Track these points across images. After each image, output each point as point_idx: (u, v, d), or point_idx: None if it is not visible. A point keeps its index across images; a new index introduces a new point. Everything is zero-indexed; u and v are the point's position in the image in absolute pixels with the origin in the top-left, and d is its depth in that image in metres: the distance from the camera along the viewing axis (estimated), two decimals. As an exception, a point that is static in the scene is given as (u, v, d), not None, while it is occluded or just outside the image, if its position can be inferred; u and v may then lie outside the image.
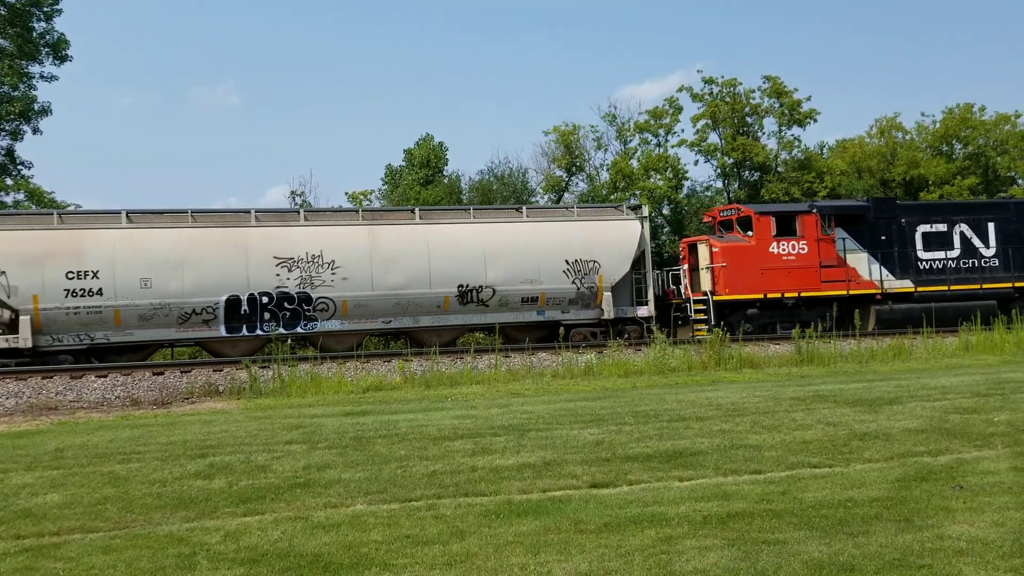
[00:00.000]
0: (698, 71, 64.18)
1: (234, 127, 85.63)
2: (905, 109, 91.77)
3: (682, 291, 23.99)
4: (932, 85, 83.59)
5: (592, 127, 40.30)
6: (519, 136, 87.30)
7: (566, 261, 22.24)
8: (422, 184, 39.30)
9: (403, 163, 42.31)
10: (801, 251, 23.35)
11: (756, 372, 16.73)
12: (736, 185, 39.60)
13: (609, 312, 22.54)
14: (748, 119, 38.99)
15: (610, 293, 22.59)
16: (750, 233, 23.52)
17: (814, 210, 23.66)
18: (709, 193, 39.83)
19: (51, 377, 17.36)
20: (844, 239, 23.79)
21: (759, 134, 39.34)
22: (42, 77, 30.32)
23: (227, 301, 19.98)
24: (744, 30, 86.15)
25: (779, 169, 38.88)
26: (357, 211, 22.89)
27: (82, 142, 77.74)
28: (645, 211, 23.84)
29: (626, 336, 22.60)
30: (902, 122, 43.51)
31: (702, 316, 22.94)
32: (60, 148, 73.76)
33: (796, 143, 39.54)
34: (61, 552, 5.65)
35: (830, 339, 19.35)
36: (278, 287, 20.31)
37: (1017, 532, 5.37)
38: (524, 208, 23.48)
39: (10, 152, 30.44)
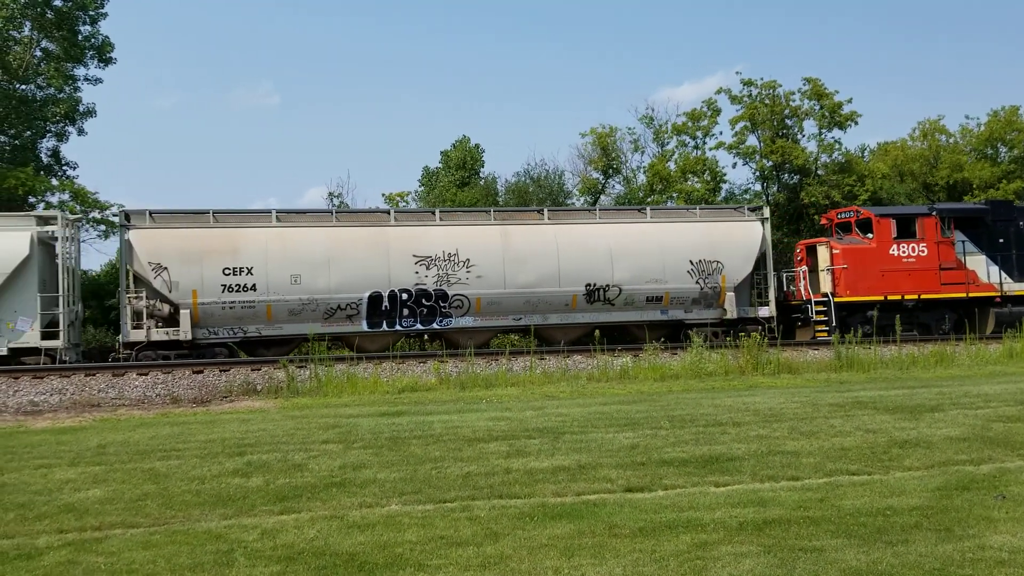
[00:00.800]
0: (736, 73, 63.53)
1: (273, 128, 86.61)
2: (949, 112, 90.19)
3: (800, 292, 23.83)
4: (976, 87, 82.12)
5: (629, 129, 40.23)
6: (555, 138, 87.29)
7: (690, 261, 22.54)
8: (458, 186, 39.43)
9: (439, 165, 42.50)
10: (921, 253, 23.42)
11: (794, 377, 16.55)
12: (775, 188, 39.21)
13: (732, 312, 22.77)
14: (788, 121, 38.58)
15: (733, 293, 22.83)
16: (870, 235, 23.64)
17: (934, 212, 23.77)
18: (747, 196, 39.49)
19: (94, 375, 17.68)
20: (963, 242, 23.75)
21: (799, 136, 38.90)
22: (86, 79, 30.89)
23: (370, 297, 20.78)
24: (783, 32, 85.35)
25: (819, 172, 38.42)
26: (489, 211, 23.46)
27: (124, 143, 79.13)
28: (766, 212, 24.14)
29: (747, 336, 22.71)
30: (945, 125, 42.76)
31: (822, 317, 23.08)
32: (102, 149, 75.14)
33: (837, 146, 39.03)
34: (102, 547, 5.75)
35: (949, 340, 18.75)
36: (417, 284, 21.03)
37: (1061, 544, 5.25)
38: (648, 209, 23.92)
39: (55, 153, 31.04)
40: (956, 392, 12.74)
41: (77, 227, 21.26)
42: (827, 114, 38.04)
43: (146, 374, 17.84)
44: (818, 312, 23.00)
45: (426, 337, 21.37)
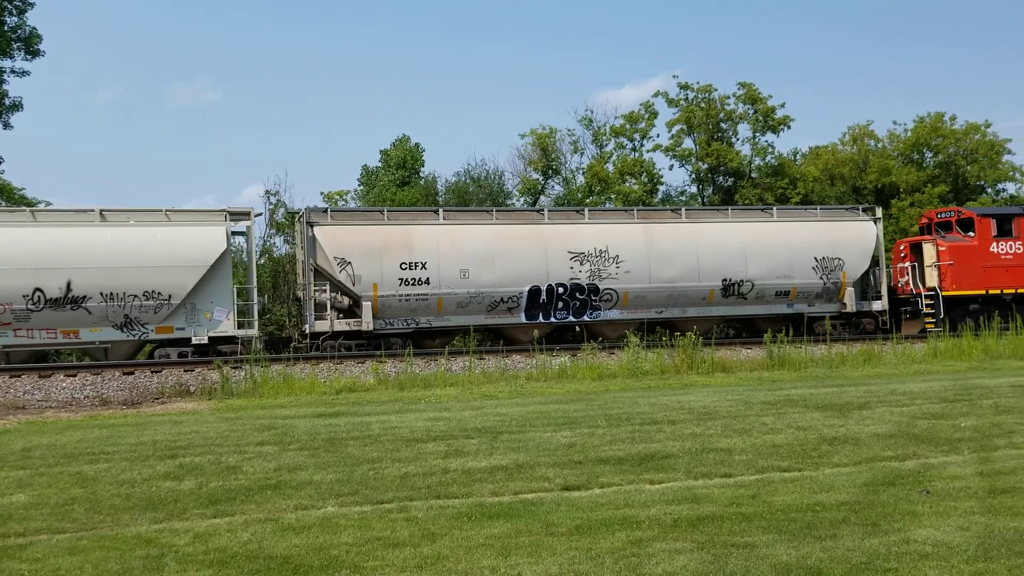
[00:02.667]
0: (674, 77, 64.46)
1: (211, 125, 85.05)
2: (877, 117, 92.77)
3: (909, 287, 25.13)
4: (904, 94, 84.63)
5: (569, 131, 40.45)
6: (497, 139, 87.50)
7: (815, 258, 23.97)
8: (398, 185, 39.23)
9: (379, 164, 42.23)
10: (1018, 251, 24.98)
11: (728, 376, 16.83)
12: (711, 190, 39.87)
13: (851, 306, 24.33)
14: (723, 125, 39.28)
15: (852, 288, 24.38)
16: (971, 234, 25.06)
17: None
18: (684, 198, 40.07)
19: (19, 376, 17.14)
20: None
21: (733, 140, 39.64)
22: (13, 72, 29.94)
23: (529, 291, 21.93)
24: (725, 36, 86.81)
25: (753, 175, 39.20)
26: (632, 210, 24.97)
27: (56, 138, 76.83)
28: (878, 213, 25.75)
29: (862, 328, 24.62)
30: (874, 130, 44.02)
31: (931, 310, 24.47)
32: (32, 144, 72.88)
33: (770, 149, 39.88)
34: (26, 553, 5.59)
35: (801, 344, 19.49)
36: (571, 279, 22.22)
37: (982, 536, 5.45)
38: (775, 209, 25.45)
39: (-21, 147, 30.02)
40: (883, 390, 13.09)
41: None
42: (761, 118, 38.84)
43: (74, 375, 17.36)
44: (927, 305, 24.53)
45: (578, 329, 22.73)
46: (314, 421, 11.30)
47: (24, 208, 20.08)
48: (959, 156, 42.17)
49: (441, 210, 23.02)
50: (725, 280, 23.22)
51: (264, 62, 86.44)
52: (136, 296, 19.08)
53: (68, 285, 18.66)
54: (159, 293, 19.23)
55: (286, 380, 16.16)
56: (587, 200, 36.63)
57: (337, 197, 41.44)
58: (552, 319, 22.22)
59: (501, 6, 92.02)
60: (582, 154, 40.30)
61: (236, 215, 20.86)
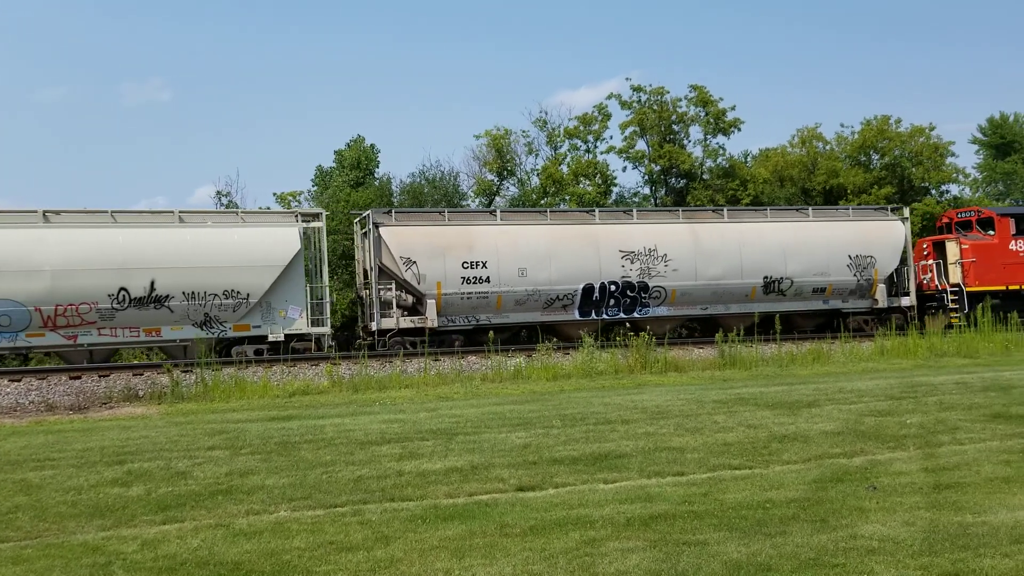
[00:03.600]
0: (627, 79, 64.93)
1: (163, 124, 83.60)
2: (826, 120, 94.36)
3: (934, 283, 26.74)
4: (852, 97, 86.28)
5: (523, 132, 40.49)
6: (452, 140, 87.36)
7: (849, 256, 25.16)
8: (352, 186, 38.93)
9: (333, 164, 41.85)
10: None
11: (681, 376, 17.01)
12: (663, 191, 40.22)
13: (882, 301, 25.58)
14: (675, 127, 39.64)
15: (883, 285, 25.65)
16: (991, 232, 26.54)
17: None
18: (636, 199, 40.36)
19: (-40, 382, 16.70)
20: None
21: (685, 142, 40.02)
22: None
23: (583, 289, 22.76)
24: (679, 39, 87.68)
25: (704, 176, 39.63)
26: (677, 210, 25.96)
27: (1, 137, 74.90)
28: (906, 213, 27.08)
29: (891, 323, 25.32)
30: (823, 132, 44.71)
31: (955, 305, 25.88)
32: (-28, 143, 70.98)
33: (721, 151, 40.31)
34: (-32, 564, 5.44)
35: (752, 343, 19.77)
36: (623, 277, 23.15)
37: (927, 531, 5.56)
38: (810, 209, 26.73)
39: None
40: (831, 388, 13.32)
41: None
42: (712, 121, 39.26)
43: (18, 380, 16.95)
44: (952, 300, 25.94)
45: (628, 325, 23.14)
46: (267, 425, 11.17)
47: (105, 210, 20.35)
48: (904, 158, 43.06)
49: (499, 211, 24.33)
50: (766, 277, 24.40)
51: (217, 62, 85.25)
52: (216, 295, 19.74)
53: (152, 284, 19.25)
54: (238, 292, 19.91)
55: (238, 384, 15.96)
56: (541, 202, 36.70)
57: (290, 198, 40.93)
58: (604, 316, 23.14)
59: (458, 7, 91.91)
60: (537, 155, 40.37)
61: (307, 216, 21.91)
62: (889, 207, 28.11)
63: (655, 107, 39.03)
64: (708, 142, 40.06)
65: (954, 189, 45.61)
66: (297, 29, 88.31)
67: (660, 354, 18.18)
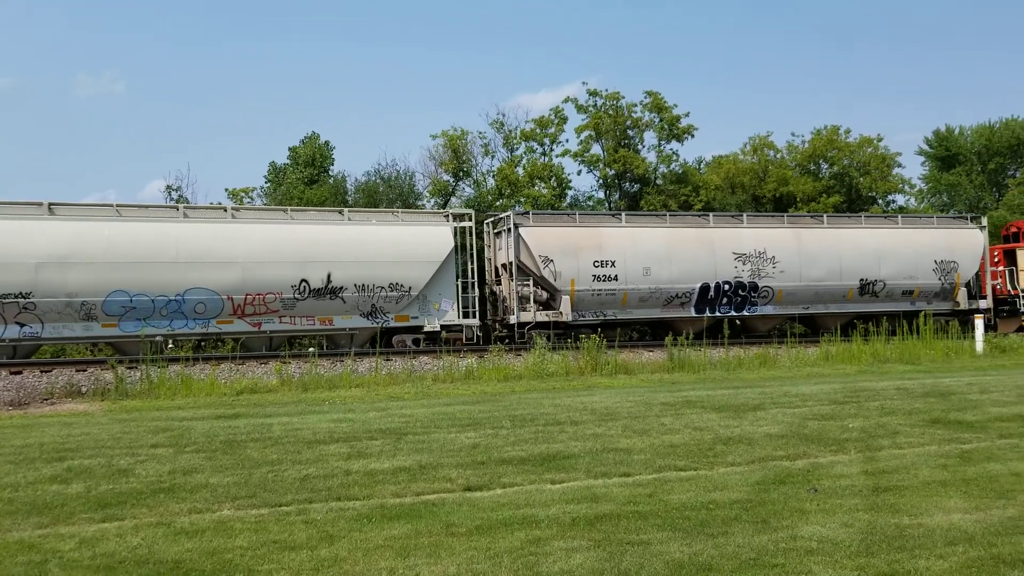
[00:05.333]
0: (583, 83, 65.25)
1: (116, 117, 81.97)
2: (777, 129, 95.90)
3: (999, 289, 29.03)
4: (803, 106, 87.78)
5: (480, 133, 40.48)
6: (409, 139, 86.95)
7: (935, 261, 27.15)
8: (307, 183, 38.56)
9: (287, 161, 41.41)
10: None
11: (630, 378, 17.13)
12: (617, 196, 40.51)
13: (963, 304, 27.50)
14: (630, 132, 39.96)
15: (964, 288, 27.57)
16: None
17: None
18: (591, 203, 40.60)
19: None
20: None
21: (640, 147, 40.36)
22: None
23: (700, 287, 24.51)
24: (637, 45, 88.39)
25: (658, 182, 39.98)
26: (783, 216, 28.18)
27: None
28: (984, 222, 29.00)
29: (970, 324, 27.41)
30: (774, 141, 45.44)
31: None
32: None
33: (674, 157, 40.73)
34: None
35: (701, 347, 20.01)
36: (735, 277, 24.93)
37: (865, 532, 5.68)
38: (899, 217, 28.81)
39: None
40: (776, 392, 13.52)
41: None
42: (666, 127, 39.65)
43: (-45, 375, 16.50)
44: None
45: (738, 322, 25.22)
46: (212, 423, 11.02)
47: (284, 208, 22.62)
48: (853, 168, 43.91)
49: (623, 214, 26.06)
50: (862, 280, 26.25)
51: (172, 56, 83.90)
52: (383, 288, 21.57)
53: (328, 277, 21.03)
54: (401, 285, 21.74)
55: (184, 381, 15.71)
56: (496, 204, 36.73)
57: (243, 194, 40.46)
58: (717, 313, 24.75)
59: (422, 8, 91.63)
60: (493, 157, 40.42)
61: (458, 216, 23.87)
62: (969, 216, 29.96)
63: (610, 112, 39.33)
64: (662, 148, 40.47)
65: (900, 199, 46.65)
66: (254, 26, 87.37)
67: (610, 357, 18.30)
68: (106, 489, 7.17)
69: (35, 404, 14.66)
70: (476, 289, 23.30)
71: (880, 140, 44.28)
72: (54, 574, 5.01)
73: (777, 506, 6.40)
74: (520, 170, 38.76)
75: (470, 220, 23.69)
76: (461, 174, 39.96)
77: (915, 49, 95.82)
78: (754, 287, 25.04)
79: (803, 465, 7.92)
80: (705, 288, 24.57)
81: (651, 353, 21.13)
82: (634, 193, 39.82)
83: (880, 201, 44.79)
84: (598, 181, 40.76)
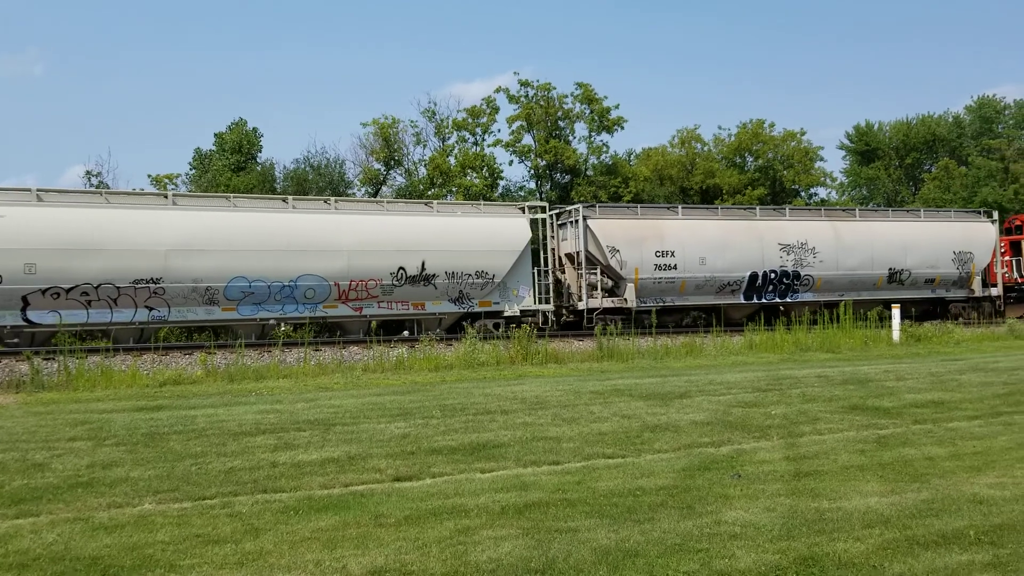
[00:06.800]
0: (515, 73, 65.20)
1: (34, 99, 78.93)
2: (704, 122, 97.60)
3: (1006, 277, 31.86)
4: (729, 100, 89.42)
5: (412, 122, 40.20)
6: (340, 127, 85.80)
7: (953, 252, 29.60)
8: (233, 170, 37.79)
9: (214, 147, 40.50)
10: None
11: (561, 367, 17.24)
12: (548, 186, 40.66)
13: (978, 291, 30.05)
14: (561, 123, 40.14)
15: (979, 277, 29.98)
16: None
17: None
18: (523, 193, 40.68)
19: None
20: None
21: (571, 138, 40.57)
22: None
23: (749, 276, 26.43)
24: (570, 35, 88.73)
25: (588, 173, 40.26)
26: (820, 210, 30.70)
27: None
28: (995, 216, 31.58)
29: (982, 310, 30.20)
30: (701, 134, 46.20)
31: None
32: None
33: (604, 149, 41.05)
34: None
35: (629, 336, 20.25)
36: (780, 266, 26.94)
37: (786, 516, 5.82)
38: (922, 211, 31.42)
39: None
40: (702, 380, 13.76)
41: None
42: (596, 118, 39.94)
43: None
44: None
45: (781, 308, 26.76)
46: (134, 415, 10.72)
47: (380, 200, 24.78)
48: (777, 161, 44.90)
49: (680, 207, 27.83)
50: (891, 269, 28.58)
51: (91, 38, 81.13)
52: (470, 275, 23.12)
53: (423, 265, 22.54)
54: (486, 272, 23.31)
55: (104, 372, 15.24)
56: (428, 193, 36.53)
57: (167, 181, 39.46)
58: (763, 300, 26.78)
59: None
60: (424, 146, 40.19)
61: (533, 208, 25.61)
62: (982, 211, 32.53)
63: (542, 102, 39.46)
64: (592, 139, 40.77)
65: (822, 192, 47.89)
66: (181, 9, 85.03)
67: (541, 346, 18.39)
68: (20, 484, 6.92)
69: (-56, 397, 14.06)
70: (549, 277, 24.96)
71: (803, 134, 45.44)
72: (-37, 573, 4.82)
73: (702, 492, 6.51)
74: (452, 160, 38.63)
75: (543, 212, 25.62)
76: (392, 163, 39.63)
77: (837, 45, 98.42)
78: (796, 276, 27.06)
79: (727, 452, 8.07)
80: (754, 276, 26.49)
81: (581, 342, 21.32)
82: (565, 184, 40.04)
83: (803, 194, 45.90)
84: (529, 171, 40.89)
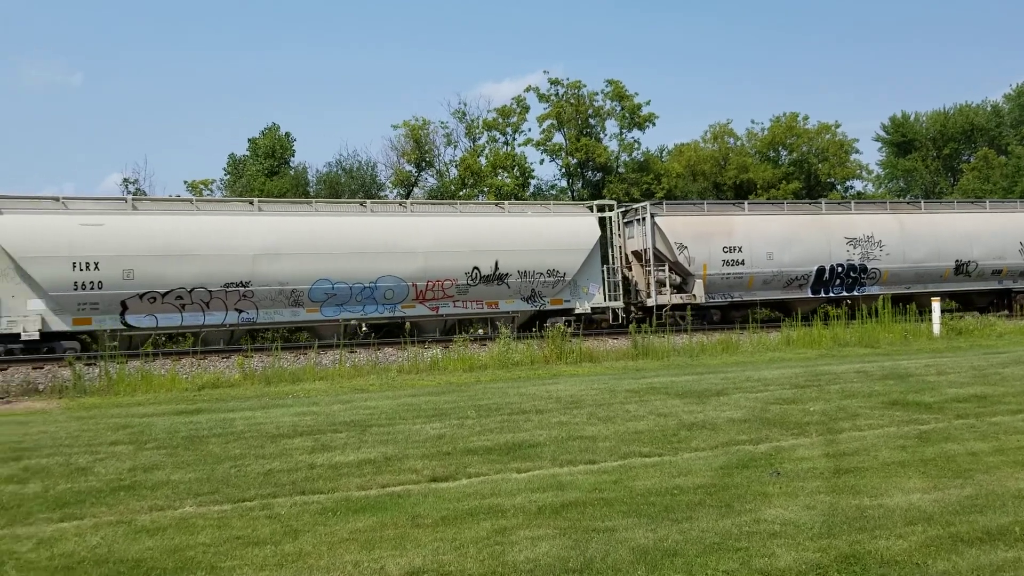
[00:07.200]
0: (544, 72, 65.11)
1: (71, 109, 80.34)
2: (737, 116, 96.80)
3: None
4: (763, 94, 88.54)
5: (442, 123, 40.34)
6: (371, 130, 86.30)
7: (1020, 243, 29.26)
8: (267, 175, 38.16)
9: (247, 153, 40.93)
10: None
11: (595, 366, 17.17)
12: (580, 184, 40.56)
13: None
14: (591, 121, 40.00)
15: None
16: None
17: None
18: (554, 192, 40.62)
19: None
20: None
21: (601, 136, 40.42)
22: None
23: (816, 270, 26.44)
24: (599, 33, 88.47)
25: (620, 170, 40.10)
26: (885, 203, 30.60)
27: None
28: None
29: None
30: (734, 128, 45.80)
31: None
32: None
33: (636, 145, 40.85)
34: None
35: (664, 334, 20.13)
36: (847, 260, 26.92)
37: (826, 514, 5.75)
38: (987, 202, 31.26)
39: None
40: (739, 377, 13.63)
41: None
42: (627, 115, 39.73)
43: (-93, 375, 16.13)
44: None
45: (847, 302, 26.71)
46: (174, 419, 10.87)
47: (453, 202, 25.45)
48: (811, 154, 44.38)
49: (746, 203, 27.99)
50: (957, 261, 28.34)
51: (127, 47, 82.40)
52: (541, 274, 23.55)
53: (496, 264, 23.01)
54: (557, 271, 23.74)
55: (144, 377, 15.47)
56: (460, 194, 36.61)
57: (202, 187, 39.97)
58: (831, 293, 26.73)
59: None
60: (455, 147, 40.29)
61: (600, 207, 26.17)
62: None
63: (572, 101, 39.34)
64: (624, 136, 40.58)
65: (858, 185, 47.28)
66: (214, 16, 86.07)
67: (575, 345, 18.33)
68: (64, 488, 7.04)
69: (-10, 403, 14.36)
70: (618, 274, 25.35)
71: (838, 127, 44.85)
72: (11, 576, 4.92)
73: (740, 490, 6.45)
74: (483, 160, 38.67)
75: (611, 211, 25.98)
76: (424, 164, 39.77)
77: (872, 36, 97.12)
78: (863, 269, 27.05)
79: (766, 449, 7.99)
80: (821, 270, 26.52)
81: (615, 341, 21.24)
82: (596, 182, 39.92)
83: (839, 187, 45.33)
84: (560, 170, 40.82)
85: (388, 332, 22.78)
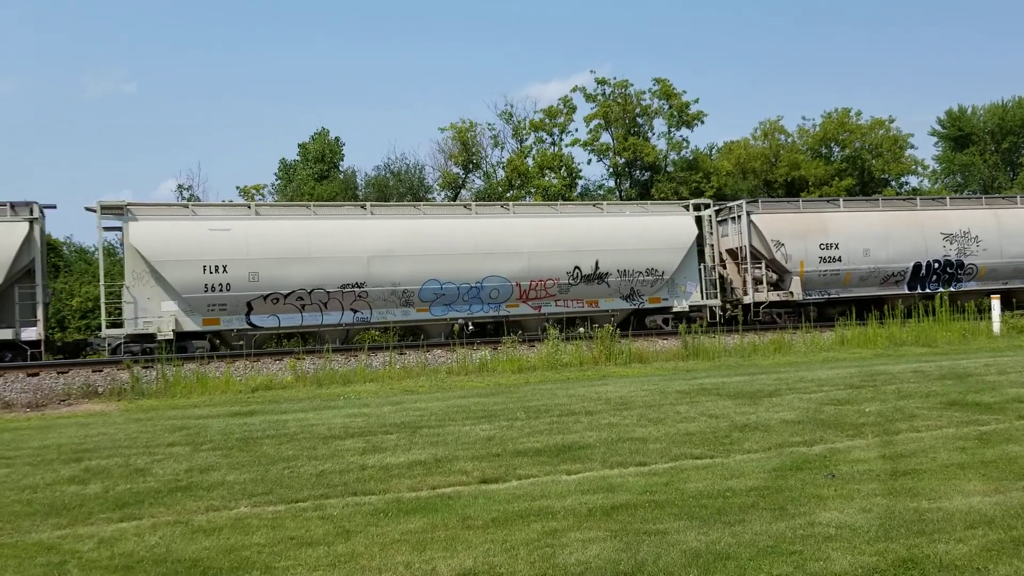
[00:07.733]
0: (591, 72, 64.80)
1: (127, 117, 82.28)
2: (788, 113, 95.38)
3: None
4: (813, 89, 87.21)
5: (489, 125, 40.40)
6: (418, 133, 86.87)
7: None
8: (317, 179, 38.63)
9: (297, 157, 41.47)
10: None
11: (644, 367, 17.07)
12: (628, 184, 40.36)
13: None
14: (639, 120, 39.76)
15: None
16: None
17: None
18: (601, 192, 40.47)
19: (-87, 380, 16.37)
20: None
21: (649, 135, 40.15)
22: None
23: (913, 266, 26.47)
24: (646, 31, 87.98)
25: (668, 169, 39.79)
26: (980, 198, 29.69)
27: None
28: None
29: None
30: (784, 125, 45.12)
31: None
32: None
33: (685, 144, 40.50)
34: (-83, 565, 5.33)
35: (715, 335, 19.93)
36: (944, 256, 26.86)
37: (883, 517, 5.63)
38: None
39: None
40: (792, 378, 13.43)
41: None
42: (675, 113, 39.41)
43: (-27, 378, 16.65)
44: None
45: (944, 297, 26.09)
46: (228, 420, 11.05)
47: (552, 203, 25.72)
48: (864, 150, 43.57)
49: (841, 200, 27.87)
50: None
51: (180, 55, 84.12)
52: (640, 272, 23.87)
53: (596, 264, 23.41)
54: (655, 270, 24.02)
55: (199, 379, 15.77)
56: (507, 195, 36.67)
57: (254, 192, 40.59)
58: (927, 289, 26.62)
59: (428, 1, 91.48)
60: (502, 148, 40.36)
61: (696, 206, 26.22)
62: None
63: (619, 100, 39.17)
64: (672, 135, 40.27)
65: (913, 181, 46.29)
66: (262, 22, 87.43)
67: (624, 346, 18.24)
68: (124, 489, 7.21)
69: (52, 405, 14.76)
70: (715, 272, 25.59)
71: (892, 121, 43.93)
72: (73, 575, 5.04)
73: (794, 492, 6.36)
74: (530, 161, 38.68)
75: (707, 209, 26.01)
76: (471, 166, 39.92)
77: (925, 29, 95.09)
78: (960, 265, 27.01)
79: (820, 451, 7.87)
80: (917, 266, 26.54)
81: (665, 341, 21.09)
82: (645, 181, 39.67)
83: (893, 183, 44.44)
84: (608, 170, 40.65)
85: (490, 331, 23.21)
